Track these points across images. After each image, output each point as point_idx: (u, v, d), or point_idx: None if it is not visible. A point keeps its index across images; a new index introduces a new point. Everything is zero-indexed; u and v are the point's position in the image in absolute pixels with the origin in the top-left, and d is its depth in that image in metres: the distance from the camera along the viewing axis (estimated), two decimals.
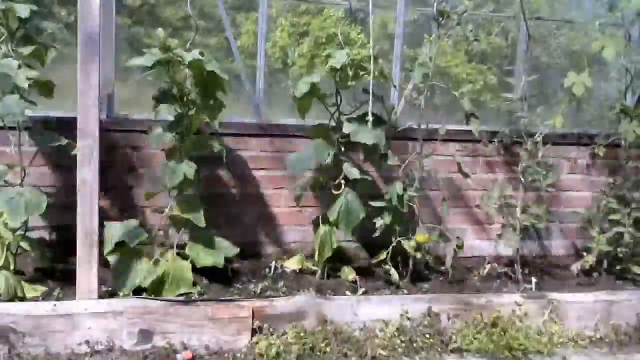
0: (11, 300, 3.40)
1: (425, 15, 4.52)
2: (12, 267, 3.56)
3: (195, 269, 3.75)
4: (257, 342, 3.39)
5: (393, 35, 4.57)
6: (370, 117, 3.82)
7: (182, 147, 3.74)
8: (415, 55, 4.14)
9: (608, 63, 4.62)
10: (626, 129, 4.25)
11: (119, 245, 3.64)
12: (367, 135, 3.88)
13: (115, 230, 3.73)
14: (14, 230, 3.50)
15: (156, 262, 3.69)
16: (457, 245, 4.19)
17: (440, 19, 3.98)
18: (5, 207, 3.39)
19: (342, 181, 4.01)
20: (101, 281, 3.50)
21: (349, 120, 3.98)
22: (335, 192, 3.97)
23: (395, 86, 4.47)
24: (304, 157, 4.04)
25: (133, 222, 3.80)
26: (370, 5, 3.91)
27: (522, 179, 4.20)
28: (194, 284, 3.70)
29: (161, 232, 3.92)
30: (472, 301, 3.80)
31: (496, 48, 4.65)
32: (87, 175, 3.35)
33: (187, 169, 3.66)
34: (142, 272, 3.62)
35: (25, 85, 3.40)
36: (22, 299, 3.45)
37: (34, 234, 3.84)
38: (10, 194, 3.48)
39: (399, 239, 4.12)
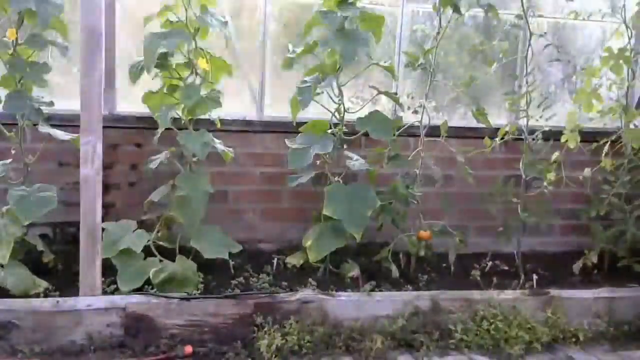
0: (21, 295, 3.41)
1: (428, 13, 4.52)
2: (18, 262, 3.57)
3: (198, 264, 3.76)
4: (259, 339, 3.39)
5: (395, 33, 4.59)
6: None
7: None
8: (417, 54, 4.14)
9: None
10: (629, 135, 4.23)
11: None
12: (378, 130, 3.91)
13: (118, 232, 3.74)
14: (21, 226, 3.50)
15: (161, 262, 3.71)
16: (459, 242, 4.20)
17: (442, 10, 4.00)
18: (16, 205, 3.40)
19: (340, 180, 4.03)
20: (104, 277, 3.51)
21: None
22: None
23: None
24: (305, 149, 3.90)
25: (135, 225, 3.82)
26: None
27: (524, 176, 4.20)
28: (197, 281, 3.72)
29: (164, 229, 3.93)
30: (474, 297, 3.80)
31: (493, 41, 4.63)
32: (90, 172, 3.36)
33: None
34: (146, 272, 3.62)
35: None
36: (28, 294, 3.46)
37: (38, 230, 3.85)
38: (20, 191, 3.48)
39: (400, 235, 4.14)
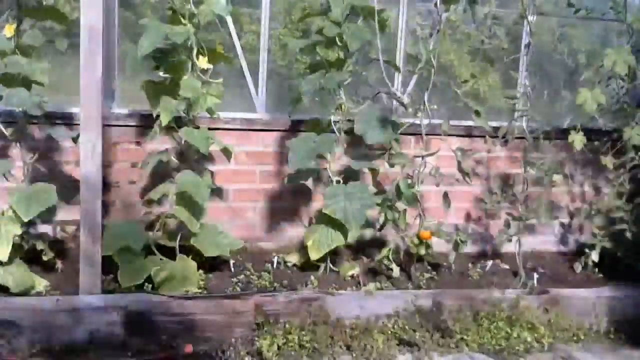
0: (21, 293, 3.40)
1: (429, 11, 4.50)
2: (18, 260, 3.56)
3: (198, 263, 3.75)
4: (260, 338, 3.38)
5: (396, 32, 4.58)
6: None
7: None
8: (417, 54, 4.12)
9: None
10: (630, 134, 4.21)
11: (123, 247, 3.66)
12: (377, 134, 3.91)
13: (118, 231, 3.73)
14: (21, 224, 3.49)
15: (161, 260, 3.70)
16: (459, 241, 4.19)
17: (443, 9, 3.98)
18: (16, 203, 3.38)
19: (341, 179, 4.03)
20: (104, 276, 3.50)
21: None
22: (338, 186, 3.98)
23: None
24: (305, 148, 3.89)
25: (135, 223, 3.81)
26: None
27: (524, 175, 4.20)
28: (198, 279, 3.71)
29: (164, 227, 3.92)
30: (475, 296, 3.80)
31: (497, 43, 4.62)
32: (90, 170, 3.35)
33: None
34: (146, 270, 3.61)
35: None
36: (28, 293, 3.45)
37: (38, 228, 3.84)
38: (20, 190, 3.47)
39: (401, 234, 4.13)
